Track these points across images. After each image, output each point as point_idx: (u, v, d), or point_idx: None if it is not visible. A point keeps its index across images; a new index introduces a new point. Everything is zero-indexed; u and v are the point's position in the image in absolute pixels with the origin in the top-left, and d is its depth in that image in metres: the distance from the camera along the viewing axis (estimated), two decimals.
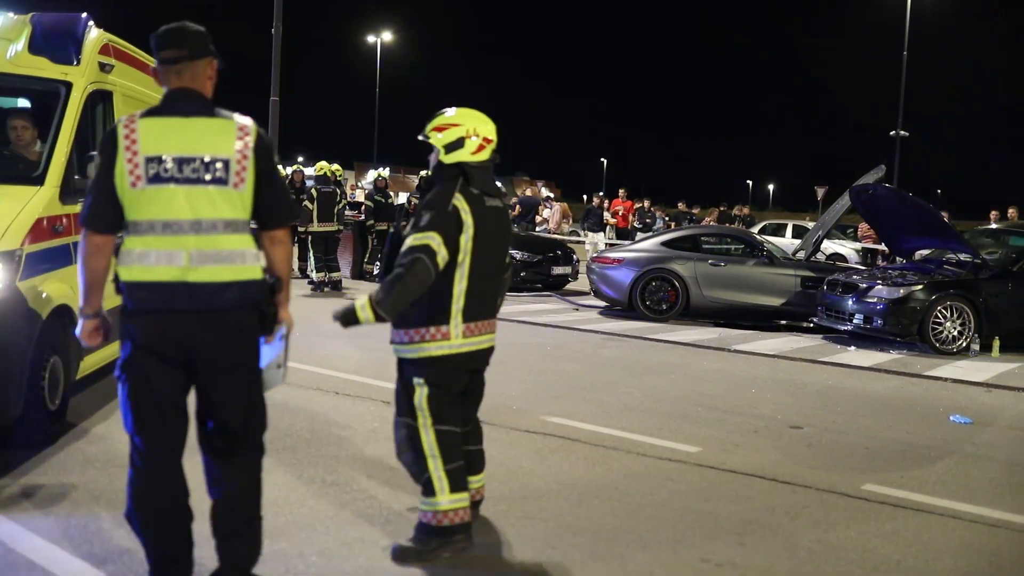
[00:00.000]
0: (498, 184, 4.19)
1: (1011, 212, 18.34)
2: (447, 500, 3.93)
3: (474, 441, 4.33)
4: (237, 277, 3.16)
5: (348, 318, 3.80)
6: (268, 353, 3.35)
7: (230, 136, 3.17)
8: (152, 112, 3.18)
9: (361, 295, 3.90)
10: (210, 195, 3.12)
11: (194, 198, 3.11)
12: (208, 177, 3.12)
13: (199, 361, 3.17)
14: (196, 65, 3.22)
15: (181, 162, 3.10)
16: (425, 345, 3.95)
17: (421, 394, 3.96)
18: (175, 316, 3.11)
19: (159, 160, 3.08)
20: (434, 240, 3.80)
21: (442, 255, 3.82)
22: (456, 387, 4.07)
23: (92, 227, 3.13)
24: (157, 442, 3.17)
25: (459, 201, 3.91)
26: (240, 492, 3.31)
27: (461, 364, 4.03)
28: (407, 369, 4.05)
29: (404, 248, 3.83)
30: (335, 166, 16.13)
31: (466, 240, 3.90)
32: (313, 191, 14.99)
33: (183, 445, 3.26)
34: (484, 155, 4.07)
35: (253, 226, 3.29)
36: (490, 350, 4.20)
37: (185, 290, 3.10)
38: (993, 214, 18.51)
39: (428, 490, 3.95)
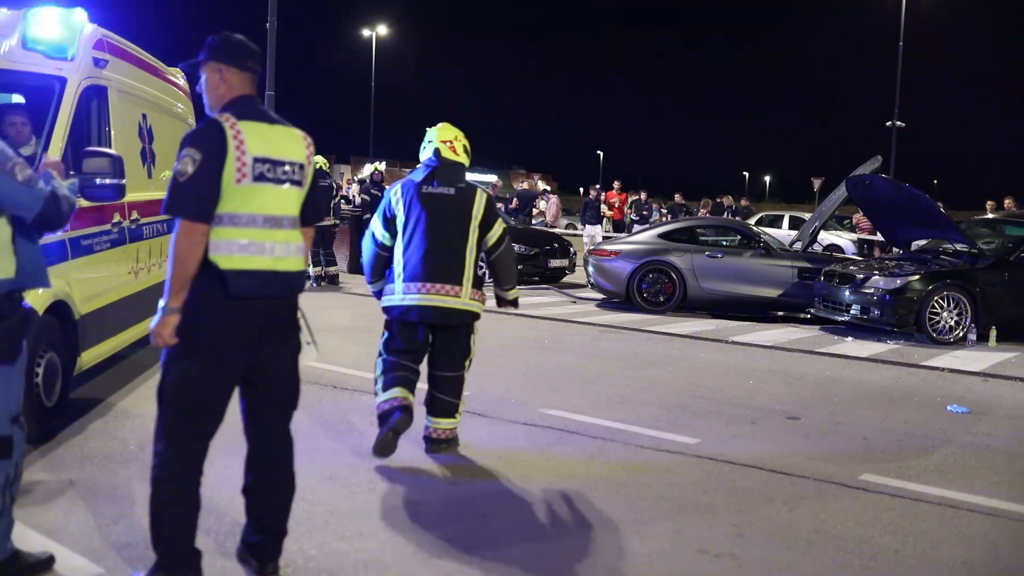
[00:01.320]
0: (483, 183, 5.52)
1: (1007, 202, 18.36)
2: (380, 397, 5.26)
3: (445, 392, 5.36)
4: (302, 267, 3.60)
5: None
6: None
7: (300, 143, 3.59)
8: (244, 115, 3.44)
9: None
10: (290, 195, 3.52)
11: (282, 196, 3.49)
12: (292, 178, 3.53)
13: (269, 343, 3.48)
14: (255, 77, 3.61)
15: (275, 164, 3.46)
16: (385, 298, 5.35)
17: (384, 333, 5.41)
18: (263, 303, 3.44)
19: (263, 161, 3.42)
20: (376, 226, 5.43)
21: (380, 234, 5.38)
22: (402, 331, 5.31)
23: (201, 218, 3.31)
24: (210, 427, 3.44)
25: (394, 195, 5.35)
26: (285, 464, 3.65)
27: (402, 314, 5.26)
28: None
29: None
30: (321, 159, 16.15)
31: (401, 222, 5.29)
32: None
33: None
34: (451, 155, 5.39)
35: None
36: (436, 309, 5.20)
37: (276, 278, 3.45)
38: (989, 204, 18.53)
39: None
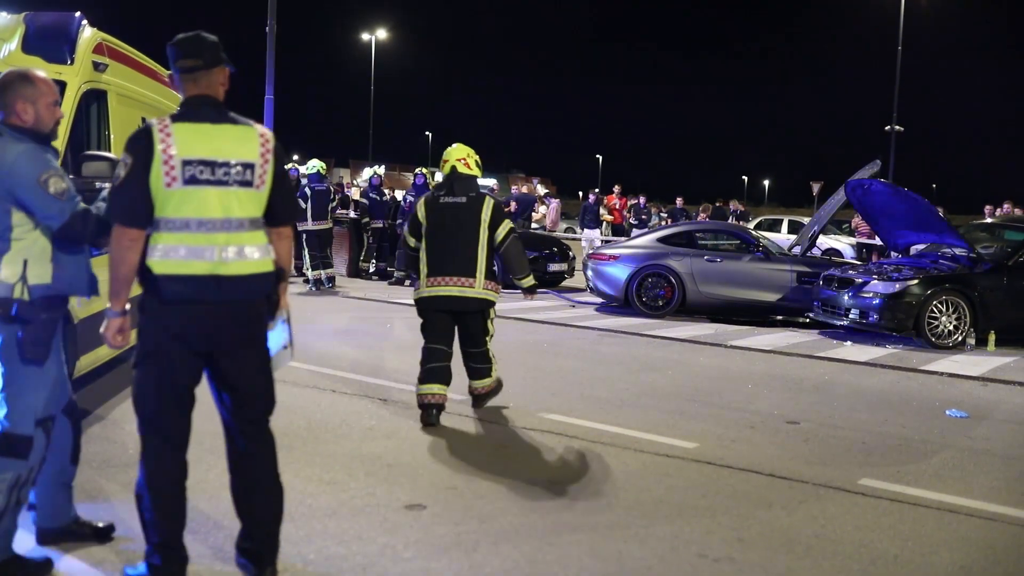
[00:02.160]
0: (482, 186, 6.50)
1: (1007, 206, 18.36)
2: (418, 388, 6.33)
3: (475, 361, 6.55)
4: (258, 270, 3.46)
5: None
6: (275, 338, 3.63)
7: (253, 142, 3.46)
8: (181, 117, 3.41)
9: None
10: (238, 196, 3.41)
11: (224, 198, 3.38)
12: (237, 179, 3.41)
13: (221, 348, 3.44)
14: (211, 73, 3.47)
15: (213, 165, 3.36)
16: (415, 292, 6.51)
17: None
18: (204, 307, 3.37)
19: (194, 163, 3.33)
20: (407, 234, 6.65)
21: (411, 241, 6.56)
22: (430, 317, 6.38)
23: (129, 223, 3.32)
24: (173, 427, 3.46)
25: (419, 207, 6.50)
26: (263, 464, 3.60)
27: (427, 304, 6.36)
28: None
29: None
30: (318, 163, 16.24)
31: (424, 228, 6.39)
32: (307, 189, 14.99)
33: (190, 431, 3.53)
34: (465, 170, 6.48)
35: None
36: (453, 298, 6.27)
37: (215, 283, 3.35)
38: (987, 208, 18.53)
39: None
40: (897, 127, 35.47)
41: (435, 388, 6.24)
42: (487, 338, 6.48)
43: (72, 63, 5.99)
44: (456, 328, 6.43)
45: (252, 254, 3.44)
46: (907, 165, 43.67)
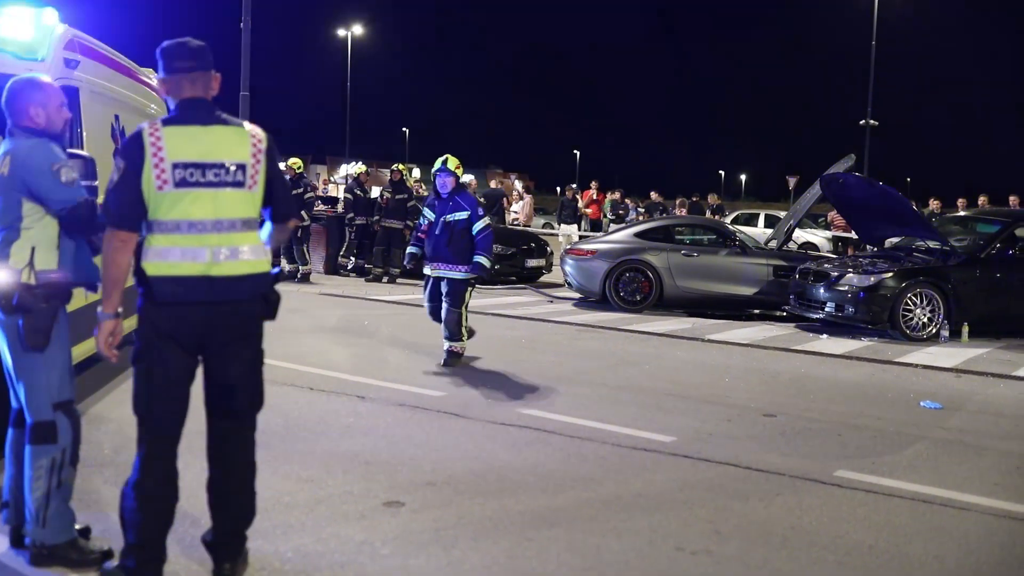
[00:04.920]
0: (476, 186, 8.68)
1: (981, 200, 18.56)
2: (465, 341, 8.32)
3: (448, 323, 8.30)
4: (252, 271, 3.50)
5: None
6: None
7: (244, 142, 3.50)
8: (172, 120, 3.46)
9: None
10: (230, 197, 3.45)
11: (216, 200, 3.43)
12: (228, 180, 3.45)
13: (213, 346, 3.48)
14: (205, 76, 3.53)
15: (204, 167, 3.41)
16: (424, 269, 8.61)
17: (468, 294, 8.37)
18: (196, 307, 3.42)
19: (185, 165, 3.39)
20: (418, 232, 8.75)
21: (417, 237, 8.78)
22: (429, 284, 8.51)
23: (121, 225, 3.39)
24: (164, 424, 3.48)
25: (425, 208, 8.66)
26: (241, 462, 3.65)
27: (429, 279, 8.57)
28: (461, 285, 8.25)
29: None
30: (297, 161, 16.32)
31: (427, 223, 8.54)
32: None
33: (182, 429, 3.54)
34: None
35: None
36: (441, 277, 8.33)
37: (207, 283, 3.40)
38: (960, 201, 18.72)
39: (458, 336, 8.25)
40: (871, 121, 35.73)
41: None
42: (463, 306, 8.25)
43: (43, 60, 5.92)
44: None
45: (245, 255, 3.47)
46: (881, 159, 44.00)
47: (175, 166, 3.37)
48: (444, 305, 8.23)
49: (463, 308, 8.23)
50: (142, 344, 3.45)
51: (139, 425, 3.48)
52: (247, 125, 3.57)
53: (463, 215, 8.22)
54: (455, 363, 8.23)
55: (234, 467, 3.63)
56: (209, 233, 3.41)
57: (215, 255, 3.40)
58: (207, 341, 3.47)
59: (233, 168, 3.45)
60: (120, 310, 3.46)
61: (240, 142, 3.50)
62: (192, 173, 3.39)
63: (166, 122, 3.44)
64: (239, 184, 3.47)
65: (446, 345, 8.27)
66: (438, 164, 8.43)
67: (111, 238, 3.39)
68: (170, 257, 3.37)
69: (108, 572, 3.55)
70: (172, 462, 3.51)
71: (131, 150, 3.38)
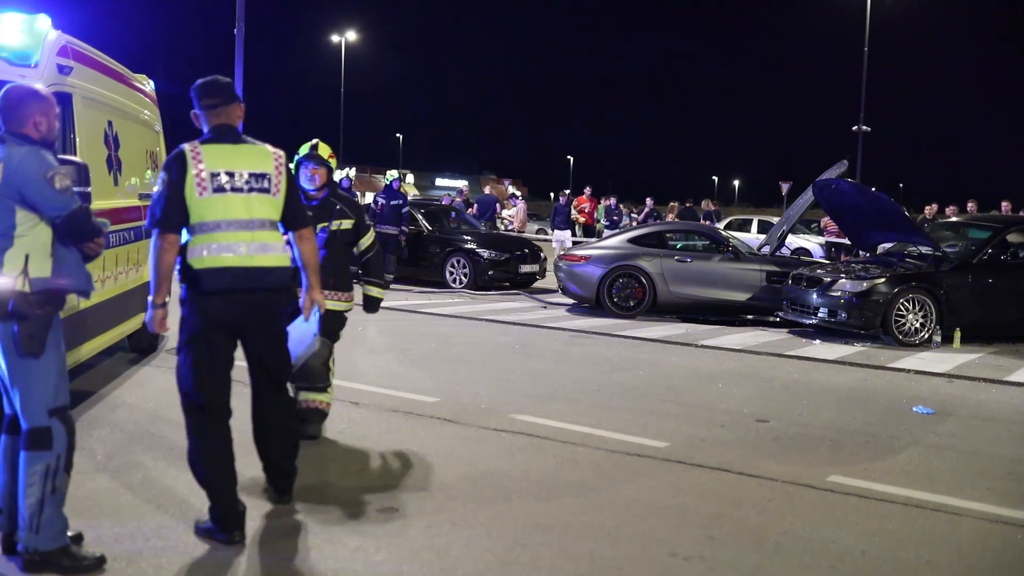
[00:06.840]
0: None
1: (970, 206, 18.61)
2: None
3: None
4: (277, 263, 4.16)
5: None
6: (309, 327, 4.79)
7: (268, 158, 4.21)
8: (207, 140, 4.14)
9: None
10: (259, 200, 4.13)
11: (247, 202, 4.09)
12: (256, 187, 4.12)
13: (249, 328, 4.18)
14: (229, 108, 4.22)
15: (235, 176, 4.08)
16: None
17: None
18: (236, 294, 4.06)
19: (219, 175, 4.05)
20: None
21: None
22: None
23: (168, 229, 4.01)
24: (216, 397, 4.12)
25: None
26: (283, 415, 4.42)
27: None
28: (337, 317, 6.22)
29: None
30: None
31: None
32: None
33: (229, 403, 4.19)
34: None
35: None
36: None
37: (245, 273, 4.05)
38: (950, 208, 18.76)
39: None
40: (864, 127, 35.82)
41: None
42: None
43: (36, 66, 5.92)
44: None
45: (272, 249, 4.13)
46: (874, 165, 44.16)
47: (212, 175, 4.02)
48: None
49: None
50: (189, 331, 4.08)
51: (186, 402, 4.12)
52: (269, 146, 4.24)
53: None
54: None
55: (275, 419, 4.35)
56: (243, 230, 4.05)
57: (251, 248, 4.04)
58: (245, 323, 4.14)
59: (259, 177, 4.12)
60: (168, 299, 4.04)
61: (265, 157, 4.18)
62: (227, 181, 4.05)
63: (203, 141, 4.10)
64: (265, 191, 4.14)
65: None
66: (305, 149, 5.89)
67: (159, 240, 3.99)
68: (212, 252, 4.00)
69: (201, 525, 4.10)
70: (224, 428, 4.12)
71: (175, 164, 4.01)
